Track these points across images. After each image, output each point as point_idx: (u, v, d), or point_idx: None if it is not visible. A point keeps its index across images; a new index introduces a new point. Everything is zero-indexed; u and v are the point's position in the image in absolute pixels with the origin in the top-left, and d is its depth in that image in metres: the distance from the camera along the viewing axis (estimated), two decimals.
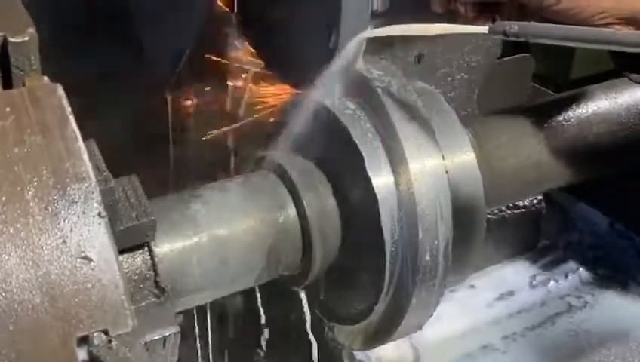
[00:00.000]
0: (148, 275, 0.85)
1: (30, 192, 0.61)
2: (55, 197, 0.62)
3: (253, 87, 1.25)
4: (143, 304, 0.84)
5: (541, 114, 1.24)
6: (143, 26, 1.25)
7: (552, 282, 1.57)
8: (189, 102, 1.27)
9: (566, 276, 1.59)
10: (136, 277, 0.84)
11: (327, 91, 0.99)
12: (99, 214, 0.63)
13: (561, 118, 1.24)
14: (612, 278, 1.57)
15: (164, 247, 0.89)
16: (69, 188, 0.62)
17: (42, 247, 0.60)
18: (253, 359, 1.39)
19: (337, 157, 0.99)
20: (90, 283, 0.61)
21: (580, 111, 1.26)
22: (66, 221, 0.61)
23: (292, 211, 0.99)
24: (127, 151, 1.29)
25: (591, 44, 0.87)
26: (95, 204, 0.63)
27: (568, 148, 1.23)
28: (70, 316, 0.60)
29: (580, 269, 1.60)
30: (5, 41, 0.68)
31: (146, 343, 0.76)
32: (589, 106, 1.27)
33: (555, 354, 1.41)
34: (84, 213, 0.62)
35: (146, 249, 0.85)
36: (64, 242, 0.61)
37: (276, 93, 1.23)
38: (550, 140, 1.21)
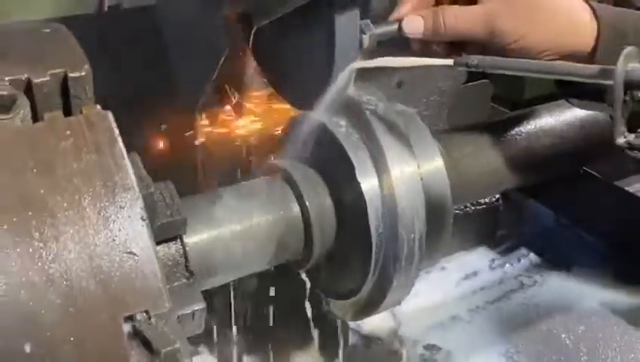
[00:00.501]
0: (180, 261, 0.85)
1: (86, 200, 0.62)
2: (106, 204, 0.62)
3: (265, 107, 1.25)
4: (176, 284, 0.85)
5: (498, 129, 1.25)
6: (174, 55, 1.25)
7: (507, 265, 1.57)
8: (213, 121, 1.26)
9: (519, 260, 1.59)
10: (170, 263, 0.85)
11: (325, 111, 0.99)
12: (141, 218, 0.63)
13: (514, 132, 1.25)
14: (556, 262, 1.57)
15: (193, 238, 0.89)
16: (117, 197, 0.63)
17: (96, 244, 0.61)
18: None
19: (333, 166, 1.00)
20: (134, 273, 0.62)
21: (529, 127, 1.26)
22: (115, 223, 0.62)
23: (296, 209, 0.99)
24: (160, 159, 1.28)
25: (534, 73, 0.88)
26: (139, 210, 0.63)
27: (520, 157, 1.23)
28: (118, 299, 0.61)
29: (531, 254, 1.60)
30: (66, 76, 0.68)
31: (178, 317, 0.76)
32: (537, 123, 1.27)
33: (510, 323, 1.41)
34: (129, 216, 0.62)
35: (179, 240, 0.85)
36: (113, 240, 0.61)
37: (283, 112, 1.23)
38: (506, 151, 1.22)
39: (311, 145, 1.02)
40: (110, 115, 0.67)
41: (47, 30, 0.76)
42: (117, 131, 0.66)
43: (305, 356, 1.39)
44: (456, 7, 0.96)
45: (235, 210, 0.96)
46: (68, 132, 0.64)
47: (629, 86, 0.78)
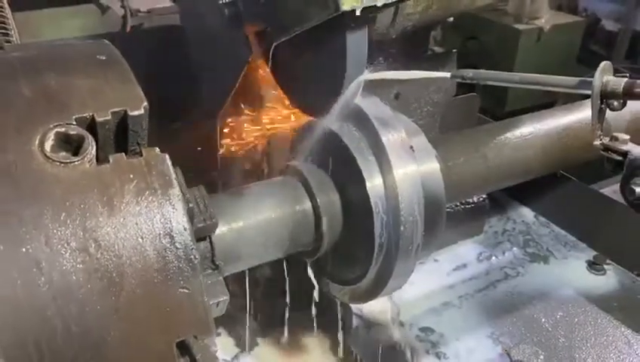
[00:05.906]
0: (208, 255, 0.85)
1: (147, 241, 0.61)
2: (165, 246, 0.62)
3: (279, 115, 1.25)
4: (204, 273, 0.83)
5: (487, 139, 1.25)
6: (201, 70, 1.24)
7: (493, 257, 1.57)
8: (232, 125, 1.26)
9: (504, 253, 1.58)
10: (200, 257, 0.84)
11: (335, 118, 0.98)
12: (194, 257, 0.63)
13: (498, 140, 1.25)
14: (536, 255, 1.57)
15: (219, 232, 0.88)
16: (175, 242, 0.62)
17: (155, 282, 0.61)
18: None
19: (341, 167, 0.99)
20: (186, 304, 0.63)
21: (511, 135, 1.26)
22: (172, 263, 0.62)
23: (308, 206, 0.99)
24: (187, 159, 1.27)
25: (520, 84, 0.88)
26: (192, 251, 0.63)
27: (504, 163, 1.24)
28: (172, 327, 0.62)
29: (514, 248, 1.60)
30: (126, 114, 0.66)
31: None
32: (518, 131, 1.27)
33: (495, 309, 1.41)
34: (185, 258, 0.63)
35: (208, 239, 0.85)
36: (170, 278, 0.62)
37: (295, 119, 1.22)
38: (492, 159, 1.22)
39: (322, 149, 1.02)
40: (167, 157, 0.65)
41: (103, 57, 0.71)
42: (174, 174, 0.64)
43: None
44: None
45: (255, 206, 0.96)
46: (131, 175, 0.63)
47: (605, 95, 0.78)
